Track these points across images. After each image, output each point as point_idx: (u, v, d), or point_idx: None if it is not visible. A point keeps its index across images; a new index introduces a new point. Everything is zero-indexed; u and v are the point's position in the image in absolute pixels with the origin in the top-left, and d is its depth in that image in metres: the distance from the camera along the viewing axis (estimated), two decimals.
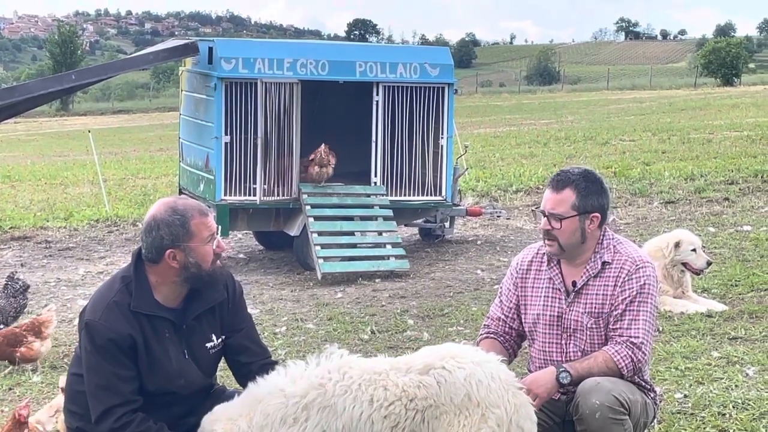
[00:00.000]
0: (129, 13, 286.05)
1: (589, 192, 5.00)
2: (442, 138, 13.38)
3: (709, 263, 9.61)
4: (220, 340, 4.79)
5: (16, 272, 9.48)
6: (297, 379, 4.50)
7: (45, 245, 14.99)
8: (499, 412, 4.44)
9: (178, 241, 4.52)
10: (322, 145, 12.74)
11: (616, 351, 4.87)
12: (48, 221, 16.80)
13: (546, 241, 5.09)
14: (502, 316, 5.29)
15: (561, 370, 4.84)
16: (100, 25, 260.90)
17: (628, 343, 4.88)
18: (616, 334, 4.92)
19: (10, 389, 7.86)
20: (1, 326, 8.75)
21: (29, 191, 21.90)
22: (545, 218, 5.04)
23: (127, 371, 4.50)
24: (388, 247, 12.49)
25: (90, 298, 4.76)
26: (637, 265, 4.98)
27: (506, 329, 5.28)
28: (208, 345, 4.75)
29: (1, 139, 39.71)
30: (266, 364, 4.84)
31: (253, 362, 4.84)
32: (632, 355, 4.88)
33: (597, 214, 5.01)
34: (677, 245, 9.52)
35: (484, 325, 5.39)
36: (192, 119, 13.75)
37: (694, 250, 9.51)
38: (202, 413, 4.63)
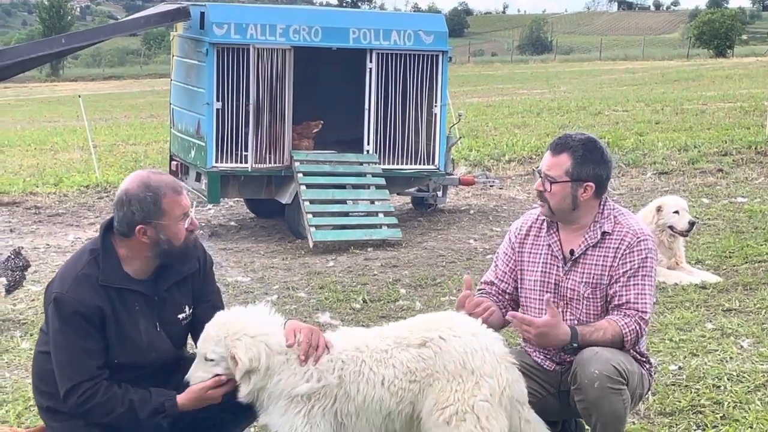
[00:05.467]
0: None
1: (586, 160, 4.88)
2: (435, 106, 13.28)
3: (692, 223, 9.60)
4: (191, 310, 4.75)
5: (22, 248, 9.36)
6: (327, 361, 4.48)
7: (34, 211, 14.87)
8: (492, 383, 4.41)
9: (150, 218, 4.44)
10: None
11: (626, 324, 4.78)
12: (37, 187, 16.69)
13: (539, 202, 5.03)
14: (495, 280, 5.19)
15: (573, 345, 4.75)
16: None
17: (637, 317, 4.79)
18: (623, 306, 4.83)
19: None
20: None
21: (18, 156, 21.74)
22: (540, 178, 4.97)
23: (94, 344, 4.43)
24: (381, 215, 12.42)
25: (57, 271, 4.67)
26: (638, 238, 4.89)
27: (498, 292, 5.17)
28: (180, 316, 4.70)
29: None
30: None
31: None
32: (638, 329, 4.80)
33: (591, 184, 4.89)
34: (659, 209, 9.60)
35: (478, 290, 5.28)
36: (183, 85, 13.62)
37: (676, 212, 9.53)
38: (173, 384, 4.59)
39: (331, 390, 4.42)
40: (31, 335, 8.27)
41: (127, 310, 4.51)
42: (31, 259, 10.63)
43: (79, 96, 21.04)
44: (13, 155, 22.07)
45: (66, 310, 4.39)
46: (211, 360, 4.44)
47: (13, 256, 9.12)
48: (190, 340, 4.94)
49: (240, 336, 4.42)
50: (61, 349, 4.44)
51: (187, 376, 4.46)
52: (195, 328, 4.72)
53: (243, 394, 4.44)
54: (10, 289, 8.95)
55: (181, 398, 4.49)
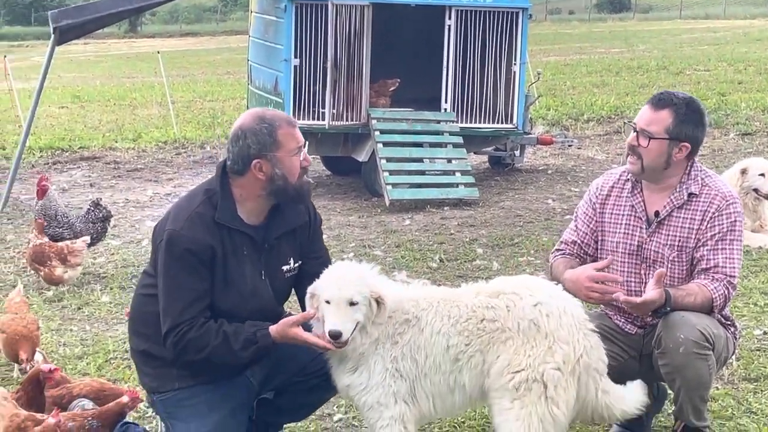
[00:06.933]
0: None
1: (688, 120, 4.76)
2: (514, 65, 13.10)
3: None
4: (296, 264, 4.66)
5: (101, 200, 9.45)
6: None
7: (114, 166, 15.04)
8: (567, 349, 4.31)
9: (265, 151, 4.37)
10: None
11: (715, 288, 4.66)
12: (117, 142, 16.87)
13: (629, 158, 4.87)
14: (578, 241, 5.08)
15: (666, 309, 4.61)
16: None
17: (726, 282, 4.68)
18: (711, 270, 4.71)
19: (79, 308, 7.89)
20: None
21: (98, 112, 22.00)
22: (635, 133, 4.82)
23: (201, 284, 4.37)
24: (458, 174, 12.32)
25: (168, 210, 4.61)
26: (727, 201, 4.76)
27: (581, 254, 5.06)
28: (285, 268, 4.62)
29: (71, 60, 39.88)
30: None
31: None
32: (727, 294, 4.69)
33: (687, 144, 4.77)
34: (743, 172, 9.41)
35: (557, 249, 5.18)
36: (261, 41, 13.60)
37: (762, 174, 9.34)
38: None
39: (411, 320, 4.42)
40: (111, 289, 8.36)
41: (236, 254, 4.45)
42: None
43: (158, 52, 21.18)
44: (93, 110, 22.34)
45: (178, 247, 4.34)
46: (355, 303, 4.30)
47: (92, 208, 9.21)
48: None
49: (375, 277, 4.41)
50: (168, 287, 4.39)
51: (332, 326, 4.25)
52: (301, 282, 4.62)
53: (373, 338, 4.36)
54: (93, 242, 9.06)
55: (273, 330, 4.39)
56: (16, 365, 6.29)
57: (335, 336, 4.26)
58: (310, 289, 4.42)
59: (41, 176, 9.57)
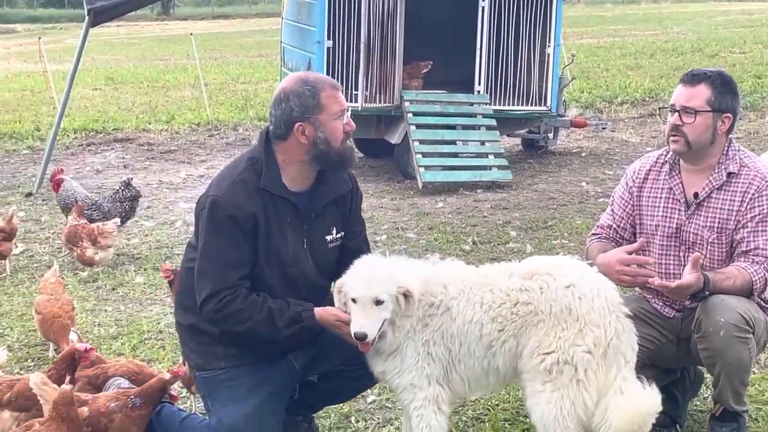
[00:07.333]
0: None
1: (725, 91, 4.72)
2: (548, 46, 13.01)
3: None
4: (339, 235, 4.61)
5: (131, 179, 9.48)
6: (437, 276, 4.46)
7: (147, 147, 15.08)
8: (598, 332, 4.23)
9: (308, 113, 4.32)
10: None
11: (755, 271, 4.60)
12: (150, 124, 16.91)
13: (672, 138, 4.78)
14: (614, 225, 5.03)
15: (705, 293, 4.57)
16: None
17: (766, 264, 4.61)
18: (751, 252, 4.65)
19: (114, 289, 7.92)
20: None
21: (132, 93, 22.05)
22: (676, 113, 4.74)
23: (241, 253, 4.32)
24: (491, 157, 12.26)
25: (212, 179, 4.57)
26: (767, 182, 4.69)
27: (616, 237, 5.02)
28: (328, 238, 4.57)
29: (105, 42, 39.97)
30: None
31: None
32: (767, 277, 4.63)
33: (729, 115, 4.73)
34: None
35: (593, 233, 5.14)
36: (294, 23, 13.57)
37: None
38: None
39: (440, 307, 4.36)
40: (144, 270, 8.39)
41: (278, 221, 4.40)
42: (143, 195, 10.81)
43: (191, 34, 21.20)
44: (126, 92, 22.40)
45: (220, 213, 4.30)
46: (382, 302, 4.26)
47: (122, 188, 9.27)
48: None
49: (402, 271, 4.33)
50: (207, 253, 4.35)
51: (358, 328, 4.23)
52: (343, 260, 4.54)
53: (404, 330, 4.33)
54: (123, 221, 9.11)
55: (318, 312, 4.38)
56: (51, 345, 6.33)
57: (360, 338, 4.24)
58: (337, 284, 4.39)
59: (55, 170, 9.72)
